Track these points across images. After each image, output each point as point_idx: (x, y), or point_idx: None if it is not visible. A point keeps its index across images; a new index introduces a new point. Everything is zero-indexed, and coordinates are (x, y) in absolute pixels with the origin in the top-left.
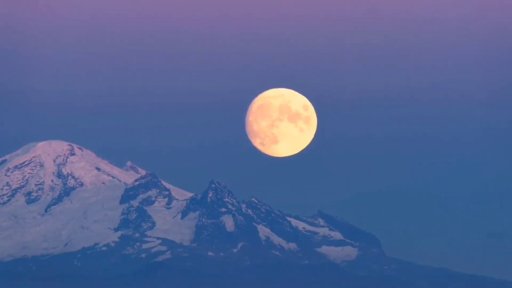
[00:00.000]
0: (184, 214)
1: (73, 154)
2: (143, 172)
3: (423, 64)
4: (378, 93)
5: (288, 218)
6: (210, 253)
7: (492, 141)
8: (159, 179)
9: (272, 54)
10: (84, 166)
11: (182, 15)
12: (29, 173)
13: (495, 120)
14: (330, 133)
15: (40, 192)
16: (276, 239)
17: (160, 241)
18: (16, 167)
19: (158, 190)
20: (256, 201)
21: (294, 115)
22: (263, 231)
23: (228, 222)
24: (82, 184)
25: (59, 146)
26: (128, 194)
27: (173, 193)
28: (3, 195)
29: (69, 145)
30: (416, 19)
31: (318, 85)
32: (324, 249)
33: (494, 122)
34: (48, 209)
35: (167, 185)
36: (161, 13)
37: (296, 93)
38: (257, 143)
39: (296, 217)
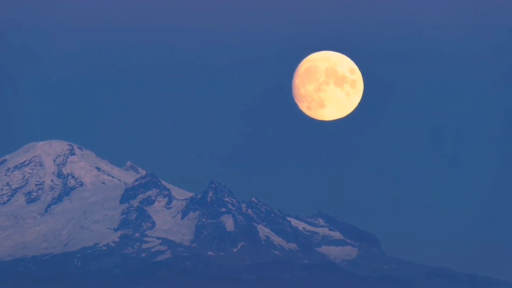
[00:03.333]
0: (184, 214)
1: (73, 154)
2: (143, 172)
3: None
4: (426, 56)
5: (288, 218)
6: (210, 253)
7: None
8: (159, 179)
9: (319, 16)
10: (84, 166)
11: None
12: (29, 173)
13: None
14: (376, 96)
15: (40, 192)
16: (276, 239)
17: (160, 241)
18: (16, 167)
19: (158, 190)
20: (256, 201)
21: (341, 78)
22: (263, 231)
23: (228, 222)
24: (82, 184)
25: (59, 146)
26: (128, 194)
27: (173, 193)
28: (3, 195)
29: (69, 145)
30: None
31: (365, 48)
32: (324, 249)
33: None
34: (48, 209)
35: (167, 185)
36: None
37: (343, 55)
38: (303, 107)
39: (296, 217)
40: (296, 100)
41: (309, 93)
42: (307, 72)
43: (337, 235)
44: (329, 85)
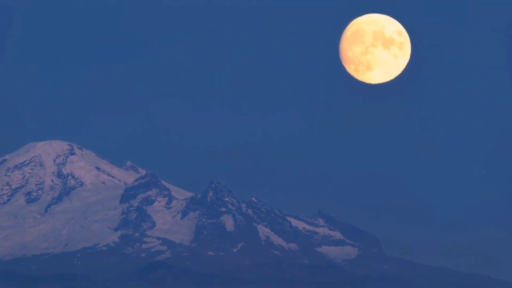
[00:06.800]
0: (184, 214)
1: (73, 154)
2: (143, 172)
3: None
4: (473, 18)
5: (288, 218)
6: (210, 253)
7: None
8: (159, 179)
9: None
10: (84, 166)
11: None
12: (29, 173)
13: None
14: (424, 59)
15: (40, 192)
16: (276, 239)
17: (160, 241)
18: (16, 167)
19: (158, 190)
20: (256, 201)
21: (388, 41)
22: (263, 231)
23: (228, 222)
24: (82, 184)
25: (59, 146)
26: (128, 194)
27: (173, 193)
28: (3, 195)
29: (69, 145)
30: None
31: (412, 10)
32: (324, 249)
33: None
34: (48, 209)
35: (167, 185)
36: None
37: (390, 18)
38: (351, 69)
39: (296, 217)
40: (343, 63)
41: (356, 56)
42: (354, 35)
43: (337, 235)
44: (377, 48)
